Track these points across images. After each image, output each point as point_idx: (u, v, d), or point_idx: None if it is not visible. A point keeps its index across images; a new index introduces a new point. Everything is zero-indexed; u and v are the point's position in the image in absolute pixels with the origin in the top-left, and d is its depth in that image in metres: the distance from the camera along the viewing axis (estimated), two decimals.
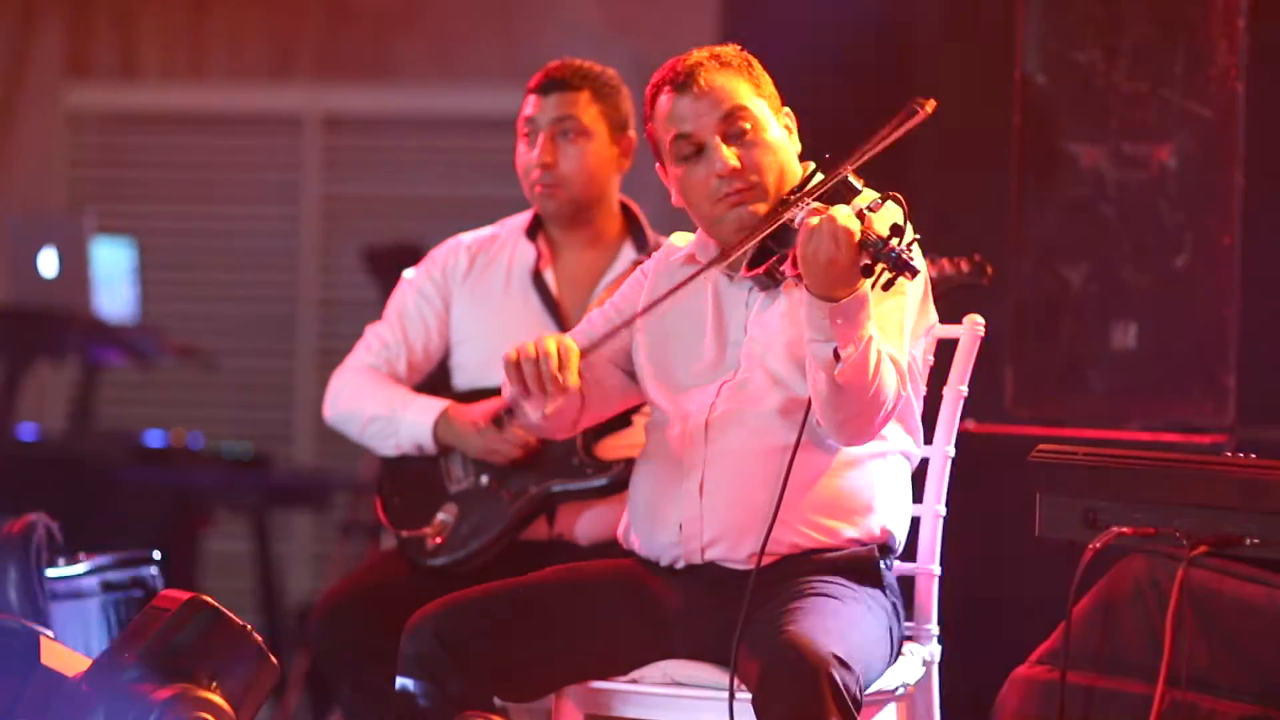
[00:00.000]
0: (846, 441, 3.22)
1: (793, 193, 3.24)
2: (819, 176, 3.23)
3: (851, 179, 3.15)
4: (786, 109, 3.34)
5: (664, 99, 3.28)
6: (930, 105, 3.13)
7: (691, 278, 3.27)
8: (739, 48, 3.34)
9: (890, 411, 3.17)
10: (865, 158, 3.15)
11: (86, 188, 7.64)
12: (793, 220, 3.13)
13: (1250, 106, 4.26)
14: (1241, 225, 4.25)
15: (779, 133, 3.30)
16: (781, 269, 3.16)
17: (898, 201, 3.04)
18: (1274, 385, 4.31)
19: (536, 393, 3.20)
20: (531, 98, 4.04)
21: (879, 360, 3.09)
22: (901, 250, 2.96)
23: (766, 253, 3.20)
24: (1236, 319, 4.25)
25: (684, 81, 3.26)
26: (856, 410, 3.12)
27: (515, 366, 3.21)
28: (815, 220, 3.02)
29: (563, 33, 7.17)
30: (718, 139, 3.25)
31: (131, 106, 7.68)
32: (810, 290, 3.05)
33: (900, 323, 3.23)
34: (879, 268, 3.00)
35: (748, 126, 3.26)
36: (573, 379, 3.20)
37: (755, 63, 3.33)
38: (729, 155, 3.24)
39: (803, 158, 3.34)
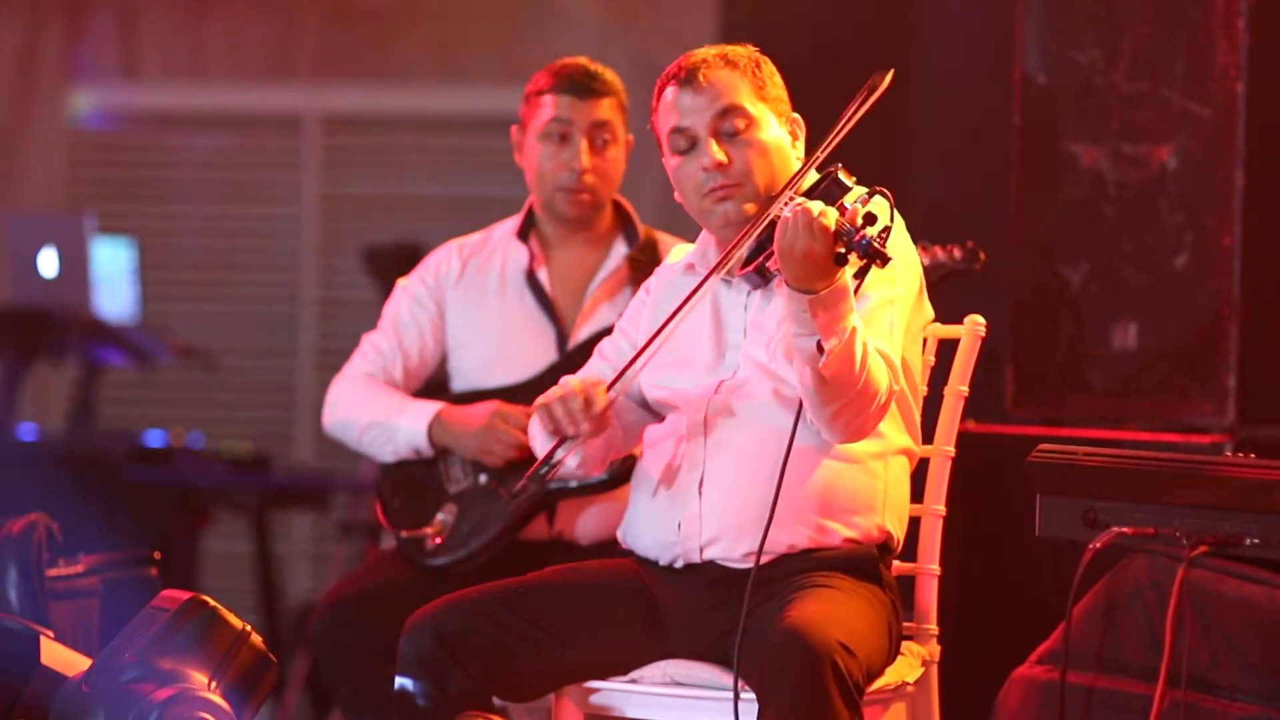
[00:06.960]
0: (841, 438, 3.20)
1: (782, 191, 3.25)
2: (813, 176, 3.23)
3: (841, 176, 3.16)
4: (796, 115, 3.37)
5: (668, 91, 3.33)
6: (889, 77, 3.19)
7: (694, 292, 3.29)
8: (753, 49, 3.36)
9: (883, 406, 3.17)
10: (835, 143, 3.19)
11: (86, 188, 7.64)
12: (779, 216, 3.14)
13: (1250, 106, 4.25)
14: (1241, 225, 4.25)
15: (776, 135, 3.31)
16: (769, 265, 3.17)
17: (885, 196, 3.05)
18: (1274, 385, 4.30)
19: (571, 431, 3.24)
20: (564, 99, 4.00)
21: (865, 353, 3.08)
22: (874, 239, 2.96)
23: (757, 250, 3.22)
24: (1236, 319, 4.24)
25: (686, 77, 3.31)
26: (845, 404, 3.11)
27: (546, 410, 3.24)
28: (790, 213, 3.03)
29: (562, 32, 7.17)
30: (709, 135, 3.28)
31: (131, 106, 7.67)
32: (789, 284, 3.05)
33: (888, 318, 3.23)
34: (852, 257, 3.00)
35: (741, 125, 3.29)
36: (600, 403, 3.24)
37: (766, 64, 3.35)
38: (716, 151, 3.28)
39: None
